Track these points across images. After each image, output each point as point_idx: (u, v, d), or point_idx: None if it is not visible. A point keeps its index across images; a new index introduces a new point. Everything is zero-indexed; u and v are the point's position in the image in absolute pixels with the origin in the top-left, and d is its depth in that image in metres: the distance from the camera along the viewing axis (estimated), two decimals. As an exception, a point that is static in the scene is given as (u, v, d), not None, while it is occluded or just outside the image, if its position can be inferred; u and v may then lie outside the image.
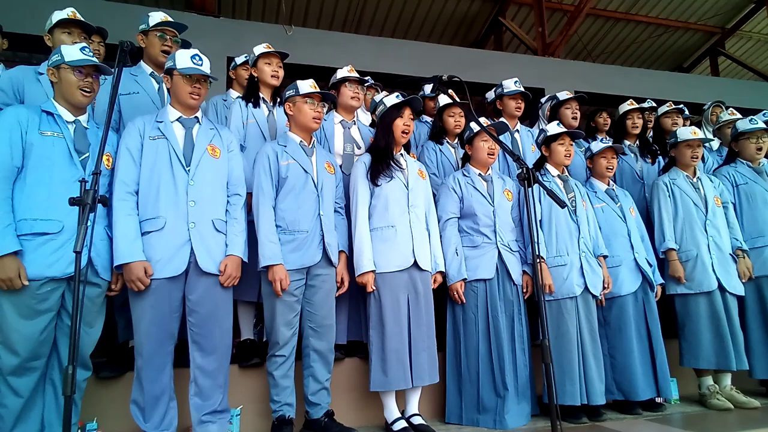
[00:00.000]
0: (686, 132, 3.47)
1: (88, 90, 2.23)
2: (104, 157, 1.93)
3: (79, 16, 2.74)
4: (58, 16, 2.71)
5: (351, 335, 2.98)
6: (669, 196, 3.42)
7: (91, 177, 1.75)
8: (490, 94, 3.89)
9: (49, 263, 2.05)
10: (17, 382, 2.04)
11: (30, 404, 2.07)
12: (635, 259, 3.19)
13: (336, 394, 2.74)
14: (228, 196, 2.48)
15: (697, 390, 3.31)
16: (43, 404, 2.12)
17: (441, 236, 2.95)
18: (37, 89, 2.58)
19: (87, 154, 2.20)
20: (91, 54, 2.26)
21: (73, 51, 2.22)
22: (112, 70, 1.93)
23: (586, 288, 2.98)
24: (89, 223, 1.70)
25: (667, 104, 4.28)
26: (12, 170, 2.08)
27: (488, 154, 3.05)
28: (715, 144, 4.39)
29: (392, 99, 2.85)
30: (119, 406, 2.46)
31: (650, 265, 3.24)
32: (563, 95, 3.96)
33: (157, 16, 2.85)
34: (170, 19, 2.87)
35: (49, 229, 2.07)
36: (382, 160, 2.78)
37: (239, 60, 3.58)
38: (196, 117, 2.47)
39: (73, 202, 1.70)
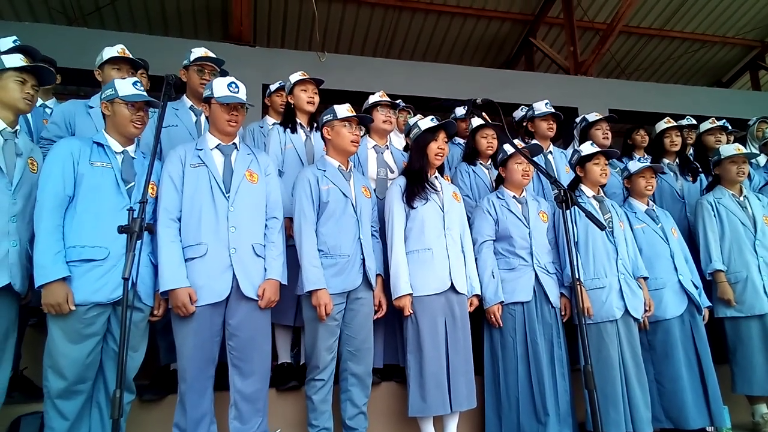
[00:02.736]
0: (730, 148, 3.38)
1: (139, 123, 2.33)
2: (149, 186, 2.00)
3: (128, 53, 2.87)
4: (108, 53, 2.84)
5: (387, 359, 2.96)
6: (714, 216, 3.31)
7: (138, 205, 1.81)
8: (518, 113, 3.87)
9: (95, 289, 2.11)
10: (64, 405, 2.10)
11: (76, 427, 2.12)
12: (680, 281, 3.08)
13: (373, 419, 2.71)
14: (266, 220, 2.51)
15: (750, 418, 3.16)
16: (89, 427, 2.16)
17: (476, 259, 2.91)
18: (87, 122, 2.70)
19: (133, 183, 2.28)
20: (143, 89, 2.35)
21: (126, 86, 2.30)
22: (161, 103, 2.01)
23: (627, 311, 2.89)
24: (136, 251, 1.75)
25: (710, 120, 4.15)
26: (64, 200, 2.16)
27: (523, 175, 3.03)
28: (762, 160, 4.24)
29: (427, 122, 2.86)
30: (161, 429, 2.50)
31: (696, 288, 3.12)
32: (592, 117, 3.91)
33: (197, 52, 2.95)
34: (211, 54, 2.97)
35: (96, 255, 2.14)
36: (417, 182, 2.79)
37: (273, 87, 3.67)
38: (234, 143, 2.53)
39: (122, 230, 1.75)
